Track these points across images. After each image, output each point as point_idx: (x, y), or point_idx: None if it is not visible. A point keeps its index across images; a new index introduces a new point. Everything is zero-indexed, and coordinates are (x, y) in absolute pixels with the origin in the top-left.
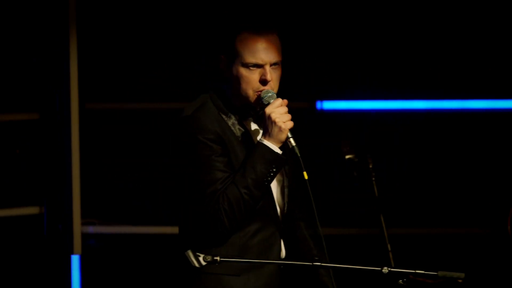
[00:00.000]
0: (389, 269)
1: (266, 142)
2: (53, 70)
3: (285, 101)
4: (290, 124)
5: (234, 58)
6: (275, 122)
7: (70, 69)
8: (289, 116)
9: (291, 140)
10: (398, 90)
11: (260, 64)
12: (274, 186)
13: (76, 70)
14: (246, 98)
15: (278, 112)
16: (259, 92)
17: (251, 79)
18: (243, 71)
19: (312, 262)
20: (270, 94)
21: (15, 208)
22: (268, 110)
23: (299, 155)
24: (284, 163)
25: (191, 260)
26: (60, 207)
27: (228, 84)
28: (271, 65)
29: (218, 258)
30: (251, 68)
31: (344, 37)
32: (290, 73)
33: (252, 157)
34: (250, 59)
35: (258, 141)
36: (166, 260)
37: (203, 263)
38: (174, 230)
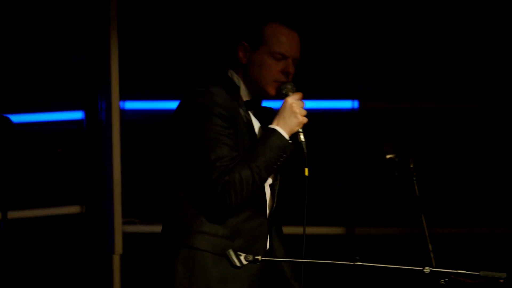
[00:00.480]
0: (431, 269)
1: (279, 129)
2: (94, 69)
3: (301, 94)
4: (305, 119)
5: (258, 45)
6: (295, 113)
7: (111, 68)
8: (305, 112)
9: (301, 135)
10: (440, 89)
11: (286, 56)
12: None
13: (116, 69)
14: (263, 85)
15: (300, 104)
16: (278, 83)
17: (274, 68)
18: (268, 59)
19: (353, 262)
20: (290, 86)
21: (57, 207)
22: (290, 99)
23: (305, 150)
24: (293, 152)
25: (232, 259)
26: (102, 206)
27: (242, 72)
28: (293, 59)
29: (259, 257)
30: (277, 57)
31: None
32: (334, 72)
33: (264, 141)
34: (279, 49)
35: (270, 127)
36: None
37: (244, 262)
38: None
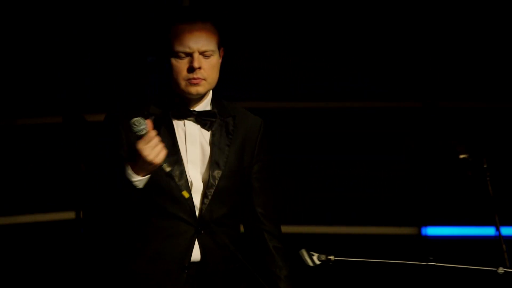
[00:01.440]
0: (505, 269)
1: (129, 169)
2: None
3: (153, 132)
4: (162, 156)
5: (168, 51)
6: (145, 159)
7: None
8: (160, 147)
9: (165, 166)
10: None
11: (188, 52)
12: (200, 190)
13: None
14: (178, 88)
15: (150, 147)
16: (189, 80)
17: (180, 68)
18: (173, 61)
19: (427, 262)
20: (138, 123)
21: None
22: (139, 147)
23: (172, 175)
24: (138, 191)
25: (305, 259)
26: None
27: (166, 80)
28: (200, 53)
29: (332, 257)
30: (181, 56)
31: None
32: (404, 73)
33: (121, 172)
34: (178, 48)
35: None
36: None
37: (317, 262)
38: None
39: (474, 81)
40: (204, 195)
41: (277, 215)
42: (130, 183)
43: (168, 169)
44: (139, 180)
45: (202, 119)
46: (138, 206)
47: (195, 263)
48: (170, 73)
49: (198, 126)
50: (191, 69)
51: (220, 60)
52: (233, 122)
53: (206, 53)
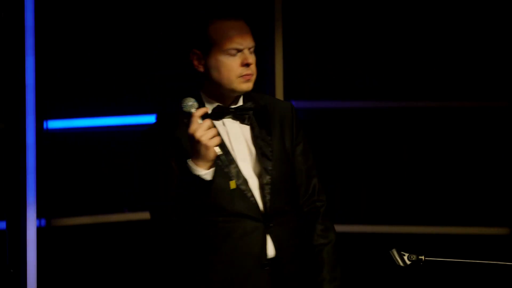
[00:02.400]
0: None
1: (191, 163)
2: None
3: (206, 108)
4: (217, 140)
5: (209, 49)
6: (200, 142)
7: (275, 68)
8: (214, 131)
9: (217, 149)
10: None
11: (240, 48)
12: (256, 184)
13: (281, 68)
14: (229, 84)
15: (203, 129)
16: (244, 77)
17: (233, 64)
18: (224, 58)
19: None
20: (190, 103)
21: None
22: (191, 130)
23: (221, 163)
24: (208, 184)
25: (396, 259)
26: None
27: (207, 77)
28: (248, 49)
29: (422, 257)
30: (232, 53)
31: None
32: (487, 71)
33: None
34: (229, 45)
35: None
36: None
37: (408, 262)
38: None
39: None
40: (262, 189)
41: (324, 196)
42: (198, 178)
43: (220, 152)
44: (205, 173)
45: (240, 114)
46: (204, 212)
47: (271, 258)
48: (217, 73)
49: (237, 123)
50: (246, 65)
51: None
52: (267, 111)
53: (251, 49)
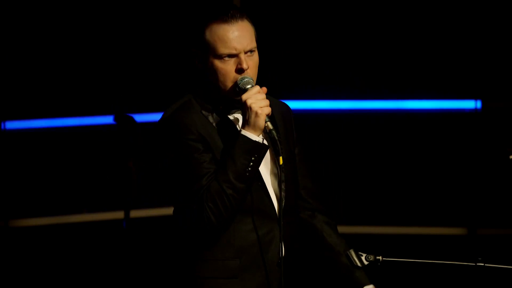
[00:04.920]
0: None
1: (244, 132)
2: None
3: (264, 88)
4: (268, 110)
5: (206, 51)
6: (251, 108)
7: None
8: (266, 102)
9: (269, 123)
10: None
11: (234, 53)
12: (269, 181)
13: None
14: (225, 90)
15: (255, 98)
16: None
17: (227, 70)
18: (218, 63)
19: (475, 263)
20: (246, 79)
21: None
22: (244, 96)
23: (276, 138)
24: (265, 150)
25: (353, 259)
26: None
27: (206, 77)
28: (245, 52)
29: (380, 258)
30: (226, 58)
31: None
32: (455, 71)
33: (232, 149)
34: (223, 50)
35: (238, 132)
36: None
37: (366, 262)
38: None
39: None
40: (279, 187)
41: (320, 194)
42: (255, 143)
43: (271, 126)
44: (259, 139)
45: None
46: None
47: (283, 256)
48: (213, 76)
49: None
50: (239, 71)
51: None
52: (271, 111)
53: (250, 52)
